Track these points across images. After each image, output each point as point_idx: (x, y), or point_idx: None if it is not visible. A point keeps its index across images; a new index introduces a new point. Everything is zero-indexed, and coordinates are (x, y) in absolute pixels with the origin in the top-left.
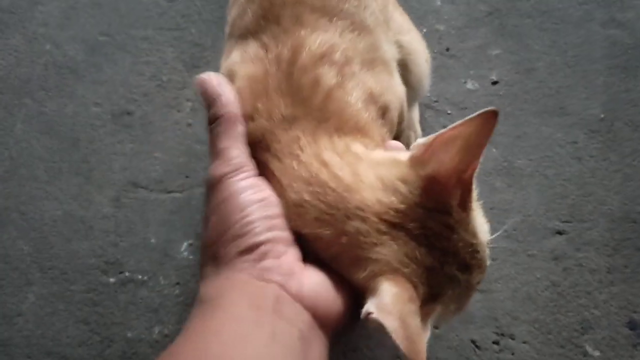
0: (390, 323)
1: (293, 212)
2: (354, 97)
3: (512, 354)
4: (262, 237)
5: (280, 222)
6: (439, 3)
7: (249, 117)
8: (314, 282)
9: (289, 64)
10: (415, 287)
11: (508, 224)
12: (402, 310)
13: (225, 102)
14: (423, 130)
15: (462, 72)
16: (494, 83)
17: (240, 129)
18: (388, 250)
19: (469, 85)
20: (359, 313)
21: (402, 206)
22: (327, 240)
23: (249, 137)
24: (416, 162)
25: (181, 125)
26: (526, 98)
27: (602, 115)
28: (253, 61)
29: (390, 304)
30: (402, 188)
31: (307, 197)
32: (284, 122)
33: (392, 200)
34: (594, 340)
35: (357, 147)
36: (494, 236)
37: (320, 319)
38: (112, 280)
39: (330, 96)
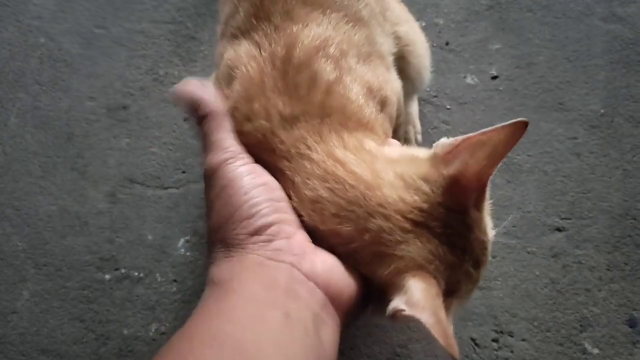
0: (427, 319)
1: (309, 207)
2: (354, 93)
3: (511, 351)
4: (270, 219)
5: (284, 205)
6: None
7: (245, 118)
8: (327, 262)
9: (284, 62)
10: (438, 283)
11: (507, 221)
12: (434, 306)
13: (208, 101)
14: (422, 125)
15: (461, 66)
16: (494, 78)
17: (228, 123)
18: (413, 247)
19: (469, 80)
20: (367, 300)
21: (425, 205)
22: (346, 236)
23: (248, 138)
24: (439, 161)
25: (178, 120)
26: (526, 93)
27: (602, 111)
28: (247, 61)
29: (422, 299)
30: (425, 187)
31: (324, 193)
32: (284, 121)
33: (416, 199)
34: (593, 338)
35: (370, 143)
36: (494, 232)
37: (333, 298)
38: (107, 277)
39: (330, 92)
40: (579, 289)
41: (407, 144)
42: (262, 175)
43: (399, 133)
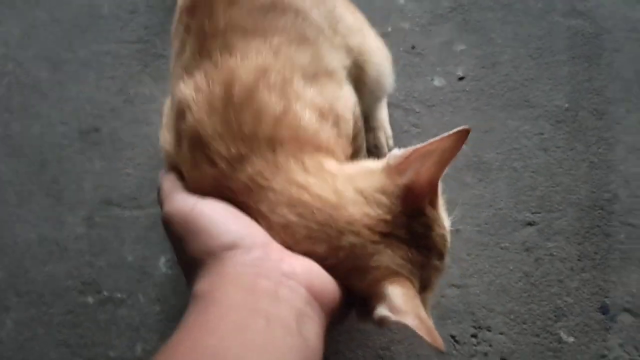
0: (411, 322)
1: (280, 232)
2: (307, 119)
3: (490, 345)
4: (241, 232)
5: (250, 221)
6: (402, 1)
7: (193, 166)
8: (305, 264)
9: (224, 102)
10: (413, 284)
11: (480, 219)
12: (414, 307)
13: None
14: (393, 129)
15: (428, 69)
16: (461, 79)
17: (175, 178)
18: (385, 257)
19: (436, 82)
20: (351, 304)
21: (388, 216)
22: (321, 254)
23: (201, 182)
24: (393, 171)
25: (151, 139)
26: (492, 92)
27: (567, 106)
28: (188, 105)
29: (402, 304)
30: (384, 200)
31: (293, 218)
32: (231, 163)
33: (379, 212)
34: (568, 327)
35: (329, 163)
36: (450, 222)
37: (316, 295)
38: (90, 300)
39: (278, 124)
40: (551, 281)
41: (378, 150)
42: (217, 201)
43: (358, 142)
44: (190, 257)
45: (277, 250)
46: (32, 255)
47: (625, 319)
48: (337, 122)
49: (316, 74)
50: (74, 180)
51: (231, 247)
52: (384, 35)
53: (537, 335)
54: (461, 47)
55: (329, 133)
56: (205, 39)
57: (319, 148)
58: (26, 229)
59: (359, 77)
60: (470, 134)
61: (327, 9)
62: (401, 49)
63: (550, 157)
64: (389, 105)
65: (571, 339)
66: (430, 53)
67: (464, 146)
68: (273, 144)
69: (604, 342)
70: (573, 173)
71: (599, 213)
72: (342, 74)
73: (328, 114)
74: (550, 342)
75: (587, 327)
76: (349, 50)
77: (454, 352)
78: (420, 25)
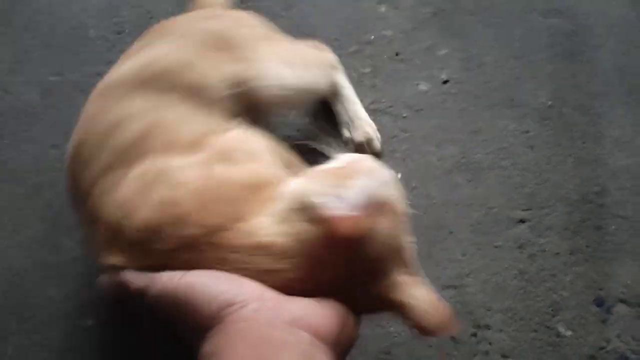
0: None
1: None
2: (191, 188)
3: (490, 343)
4: (234, 290)
5: (236, 277)
6: (383, 9)
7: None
8: (301, 306)
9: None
10: None
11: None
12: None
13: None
14: (382, 135)
15: (413, 74)
16: (445, 82)
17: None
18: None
19: (422, 87)
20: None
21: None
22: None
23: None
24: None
25: None
26: (477, 93)
27: (551, 103)
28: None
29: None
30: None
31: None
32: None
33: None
34: (565, 320)
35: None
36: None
37: (318, 334)
38: (90, 322)
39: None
40: (546, 276)
41: (370, 144)
42: (195, 270)
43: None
44: (192, 329)
45: (272, 299)
46: (30, 281)
47: (621, 309)
48: (227, 157)
49: (186, 146)
50: (69, 204)
51: (227, 305)
52: (368, 44)
53: (536, 331)
54: (444, 51)
55: (226, 171)
56: (87, 198)
57: (226, 213)
58: (23, 254)
59: (250, 100)
60: (459, 136)
61: (163, 66)
62: (385, 56)
63: (538, 154)
64: (377, 111)
65: (569, 333)
66: (414, 58)
67: (453, 148)
68: (194, 245)
69: (601, 333)
70: (561, 169)
71: (588, 207)
72: (216, 110)
73: (223, 156)
74: (549, 337)
75: (584, 319)
76: (231, 81)
77: (455, 352)
78: (403, 31)
